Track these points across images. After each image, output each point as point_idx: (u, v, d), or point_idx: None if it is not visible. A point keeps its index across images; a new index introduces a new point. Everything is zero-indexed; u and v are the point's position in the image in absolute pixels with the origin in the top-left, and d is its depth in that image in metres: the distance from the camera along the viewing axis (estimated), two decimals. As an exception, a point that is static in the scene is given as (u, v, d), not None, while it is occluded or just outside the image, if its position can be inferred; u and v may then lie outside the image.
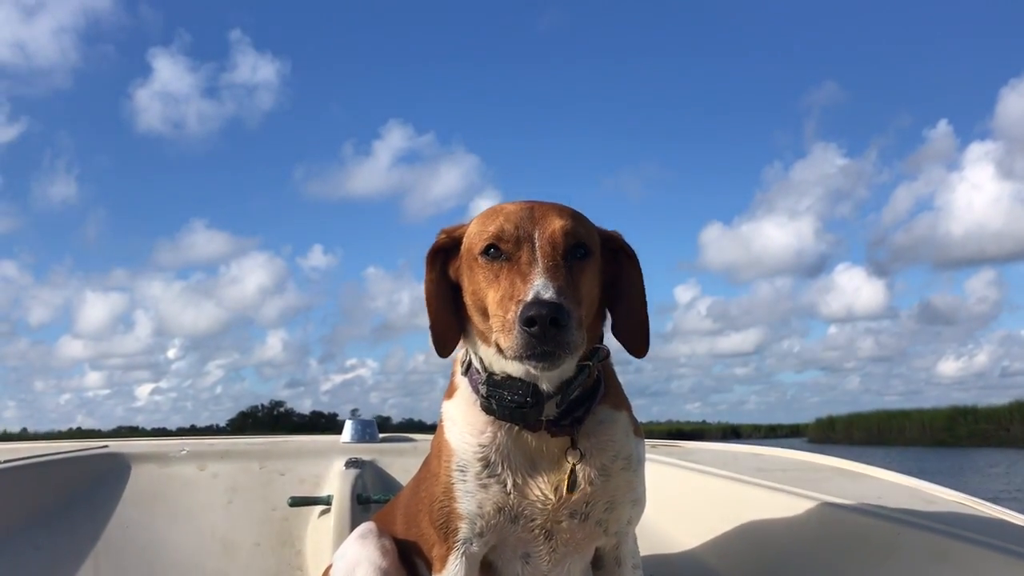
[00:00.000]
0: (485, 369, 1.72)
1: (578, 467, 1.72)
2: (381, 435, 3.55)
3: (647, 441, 3.94)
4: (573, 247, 1.61)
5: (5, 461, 2.86)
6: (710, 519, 2.73)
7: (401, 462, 3.25)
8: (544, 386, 1.68)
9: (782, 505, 2.51)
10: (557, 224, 1.61)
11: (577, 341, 1.50)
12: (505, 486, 1.73)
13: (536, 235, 1.60)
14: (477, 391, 1.75)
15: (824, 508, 2.37)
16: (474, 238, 1.68)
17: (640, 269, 1.78)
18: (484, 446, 1.74)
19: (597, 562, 1.92)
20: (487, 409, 1.72)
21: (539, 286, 1.51)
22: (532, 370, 1.59)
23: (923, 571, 1.97)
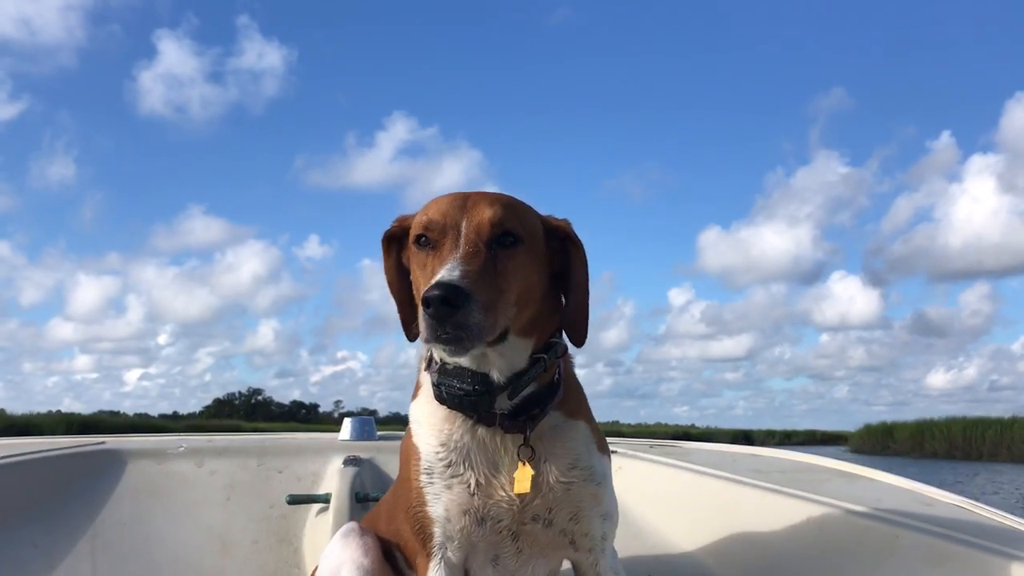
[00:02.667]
0: (442, 359, 1.70)
1: (529, 466, 1.68)
2: (379, 433, 3.55)
3: (646, 441, 3.95)
4: (500, 235, 1.60)
5: (1, 457, 2.85)
6: (708, 520, 2.73)
7: (399, 460, 3.25)
8: (495, 375, 1.66)
9: (780, 507, 2.51)
10: (485, 213, 1.60)
11: (482, 324, 1.48)
12: (469, 487, 1.71)
13: (463, 224, 1.60)
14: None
15: (822, 510, 2.37)
16: (413, 227, 1.70)
17: (584, 258, 1.73)
18: (444, 445, 1.73)
19: None
20: (439, 398, 1.70)
21: (446, 269, 1.50)
22: (444, 356, 1.60)
23: (921, 574, 1.97)
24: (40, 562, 2.60)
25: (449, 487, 1.72)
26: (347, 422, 3.55)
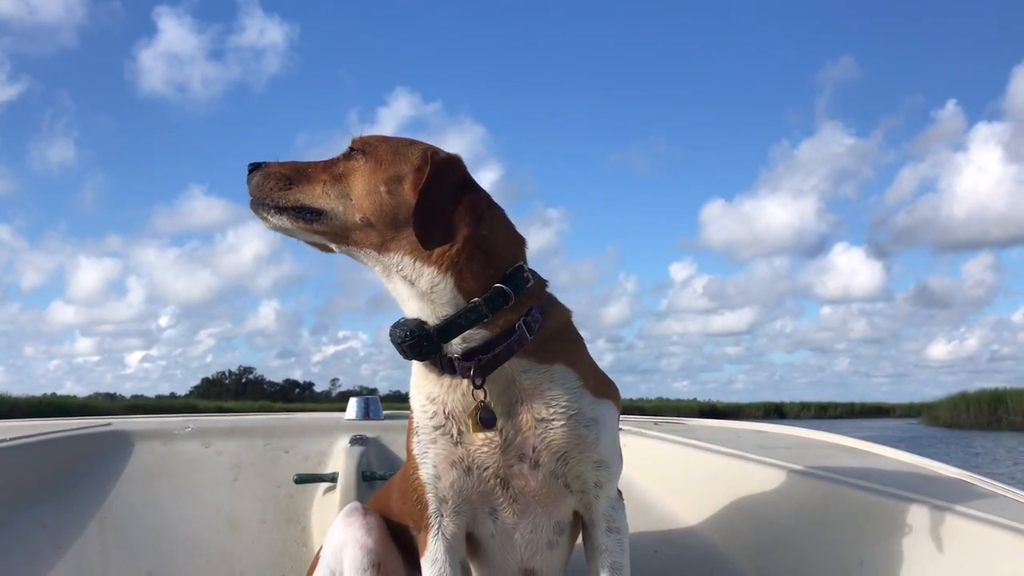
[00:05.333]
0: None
1: (476, 405, 1.71)
2: (385, 412, 3.56)
3: (650, 418, 3.95)
4: (349, 151, 1.79)
5: (8, 439, 2.86)
6: (712, 496, 2.75)
7: (405, 439, 3.26)
8: (430, 321, 1.71)
9: (784, 482, 2.52)
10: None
11: (260, 184, 1.77)
12: (452, 437, 1.75)
13: None
14: None
15: (826, 484, 2.38)
16: None
17: (429, 173, 1.69)
18: (432, 401, 1.77)
19: (584, 532, 1.91)
20: (397, 349, 1.75)
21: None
22: (262, 223, 1.82)
23: (925, 546, 1.98)
24: (49, 543, 2.62)
25: (434, 441, 1.77)
26: (353, 401, 3.57)
